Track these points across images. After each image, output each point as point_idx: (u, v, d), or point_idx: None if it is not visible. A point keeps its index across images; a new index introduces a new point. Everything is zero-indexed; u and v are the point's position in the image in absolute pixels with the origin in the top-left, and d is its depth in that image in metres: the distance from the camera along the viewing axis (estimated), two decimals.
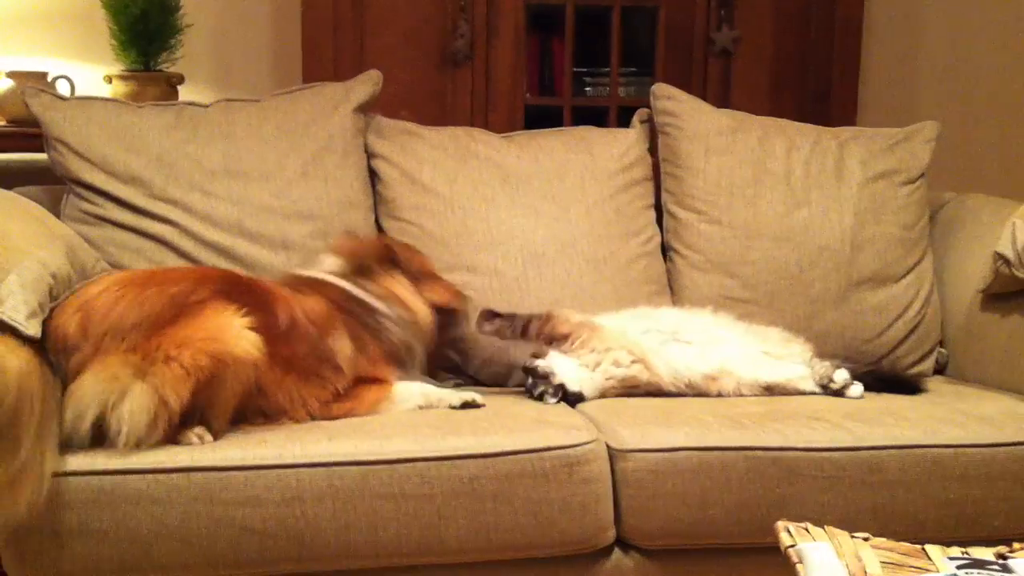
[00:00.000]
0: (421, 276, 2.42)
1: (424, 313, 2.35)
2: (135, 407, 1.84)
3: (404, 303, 2.33)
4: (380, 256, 2.38)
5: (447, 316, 2.44)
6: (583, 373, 2.31)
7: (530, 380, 2.31)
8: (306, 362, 2.11)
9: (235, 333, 1.95)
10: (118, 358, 1.88)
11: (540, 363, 2.31)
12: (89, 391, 1.85)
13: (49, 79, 3.39)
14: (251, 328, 1.97)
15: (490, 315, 2.37)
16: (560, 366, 2.30)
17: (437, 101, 3.49)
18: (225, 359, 1.91)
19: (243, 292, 2.08)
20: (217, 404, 1.95)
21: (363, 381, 2.20)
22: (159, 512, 1.84)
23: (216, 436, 1.95)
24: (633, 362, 2.34)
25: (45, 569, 1.82)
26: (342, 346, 2.18)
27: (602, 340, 2.33)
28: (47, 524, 1.77)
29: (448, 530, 1.95)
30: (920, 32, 4.08)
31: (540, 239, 2.62)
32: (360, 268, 2.34)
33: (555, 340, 2.33)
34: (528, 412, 2.16)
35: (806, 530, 1.46)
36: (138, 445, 1.85)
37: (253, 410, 2.03)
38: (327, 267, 2.36)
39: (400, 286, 2.35)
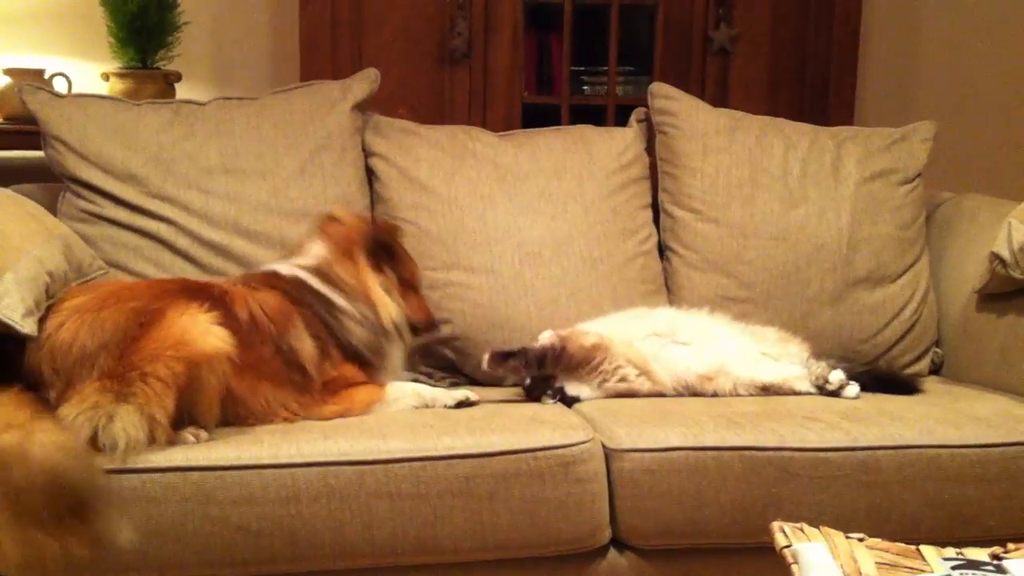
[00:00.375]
0: (407, 284, 2.39)
1: (389, 312, 2.29)
2: (126, 425, 1.83)
3: (370, 298, 2.27)
4: (368, 246, 2.32)
5: (419, 329, 2.41)
6: (589, 391, 2.33)
7: (528, 381, 2.31)
8: (273, 365, 2.09)
9: (202, 331, 1.93)
10: (93, 387, 1.86)
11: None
12: (73, 417, 1.83)
13: (46, 76, 3.38)
14: (216, 323, 1.96)
15: (501, 356, 2.28)
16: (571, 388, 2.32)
17: (435, 99, 3.49)
18: (198, 359, 1.90)
19: (201, 294, 2.05)
20: (201, 401, 1.94)
21: (348, 383, 2.19)
22: (154, 511, 1.84)
23: (208, 430, 1.96)
24: (638, 375, 2.34)
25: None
26: (303, 345, 2.15)
27: (612, 360, 2.33)
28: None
29: (443, 529, 1.95)
30: (918, 32, 4.08)
31: (537, 238, 2.62)
32: (344, 255, 2.30)
33: (571, 368, 2.32)
34: (524, 411, 2.16)
35: (801, 530, 1.46)
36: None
37: (234, 417, 2.02)
38: (310, 255, 2.31)
39: (373, 280, 2.30)
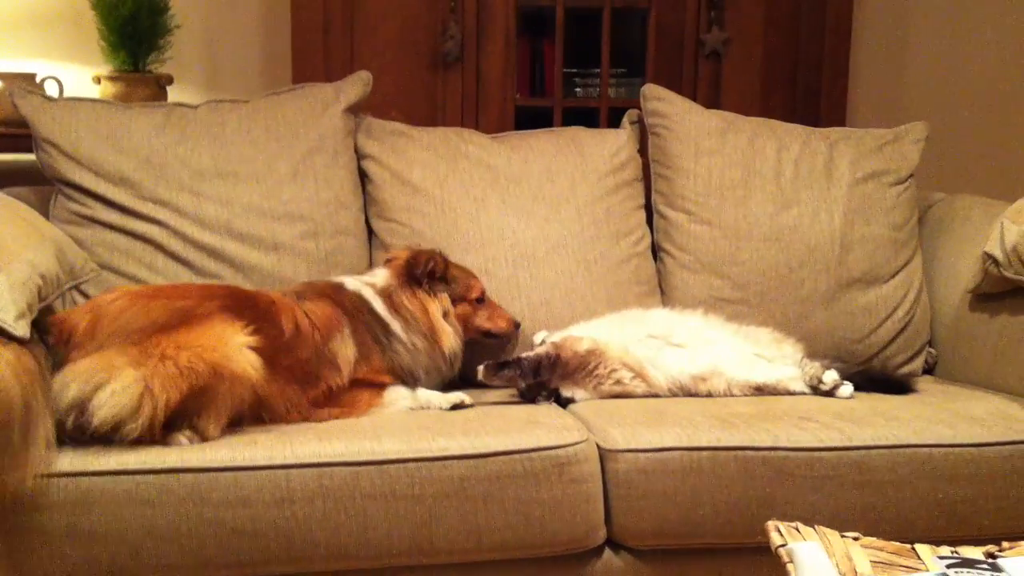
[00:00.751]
0: (476, 301, 2.45)
1: (450, 342, 2.36)
2: (119, 388, 1.84)
3: (432, 328, 2.34)
4: (430, 271, 2.38)
5: (497, 338, 2.50)
6: (584, 393, 2.34)
7: (523, 385, 2.31)
8: (308, 366, 2.13)
9: (236, 349, 1.97)
10: (116, 349, 1.90)
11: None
12: (80, 369, 1.86)
13: (38, 80, 3.37)
14: (254, 347, 1.99)
15: (496, 367, 2.29)
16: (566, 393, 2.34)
17: (427, 102, 3.49)
18: (222, 371, 1.92)
19: (247, 306, 2.11)
20: (208, 413, 1.95)
21: (360, 384, 2.20)
22: (148, 513, 1.83)
23: (204, 442, 1.95)
24: (633, 378, 2.34)
25: (34, 570, 1.82)
26: (344, 349, 2.20)
27: (607, 363, 2.34)
28: (36, 524, 1.76)
29: (438, 530, 1.95)
30: (909, 33, 4.09)
31: (530, 239, 2.62)
32: (409, 279, 2.37)
33: (566, 375, 2.32)
34: (519, 413, 2.16)
35: (796, 529, 1.46)
36: (117, 428, 1.84)
37: (251, 419, 2.04)
38: (378, 276, 2.38)
39: (434, 308, 2.36)
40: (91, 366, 1.86)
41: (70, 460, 1.83)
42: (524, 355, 2.32)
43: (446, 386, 2.39)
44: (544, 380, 2.30)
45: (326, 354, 2.17)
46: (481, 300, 2.46)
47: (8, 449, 1.70)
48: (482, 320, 2.46)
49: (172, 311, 1.99)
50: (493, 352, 2.51)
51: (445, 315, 2.38)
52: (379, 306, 2.31)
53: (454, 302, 2.41)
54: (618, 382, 2.34)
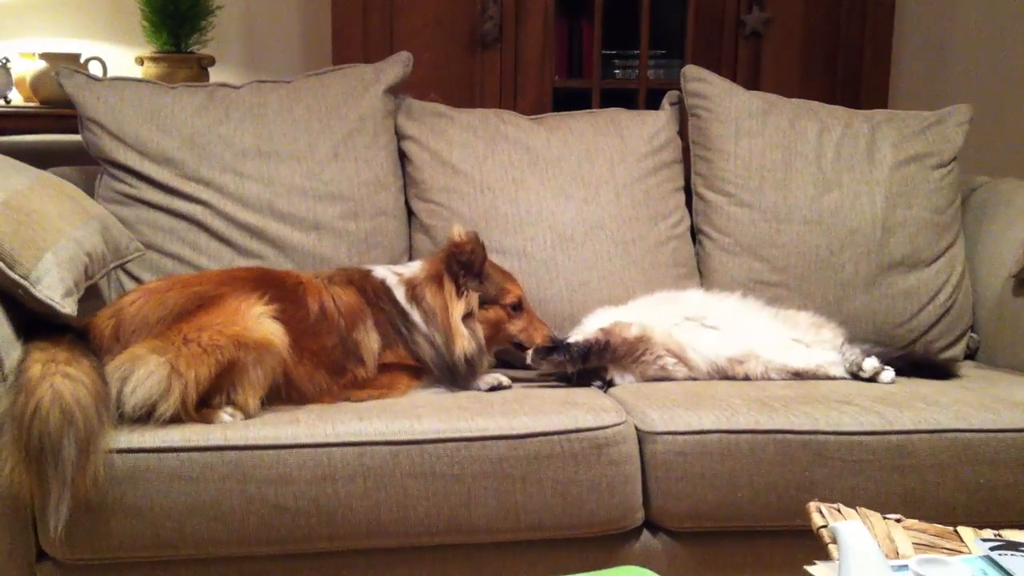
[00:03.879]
0: (511, 307, 2.35)
1: (463, 346, 2.25)
2: (145, 373, 1.88)
3: (449, 327, 2.26)
4: (466, 261, 2.29)
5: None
6: (631, 378, 2.35)
7: (572, 370, 2.30)
8: (334, 354, 2.15)
9: (254, 319, 2.00)
10: (140, 344, 1.93)
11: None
12: (108, 371, 1.89)
13: (82, 60, 3.41)
14: (274, 316, 2.02)
15: (544, 351, 2.28)
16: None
17: (466, 83, 3.49)
18: (245, 341, 1.95)
19: (272, 285, 2.13)
20: (243, 386, 1.98)
21: (396, 367, 2.22)
22: (192, 489, 1.86)
23: (247, 418, 1.98)
24: (676, 363, 2.34)
25: (82, 544, 1.85)
26: (368, 340, 2.20)
27: (653, 349, 2.33)
28: (83, 500, 1.79)
29: (477, 510, 1.96)
30: (953, 14, 4.03)
31: (569, 221, 2.62)
32: (446, 267, 2.29)
33: (615, 360, 2.32)
34: (556, 394, 2.17)
35: (838, 511, 1.46)
36: (151, 411, 1.88)
37: (284, 399, 2.07)
38: (409, 267, 2.35)
39: (455, 307, 2.27)
40: (117, 364, 1.89)
41: (116, 437, 1.85)
42: (573, 340, 2.31)
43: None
44: (593, 366, 2.30)
45: (350, 344, 2.18)
46: (517, 307, 2.36)
47: (73, 462, 1.74)
48: (515, 329, 2.35)
49: (188, 297, 2.02)
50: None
51: (468, 316, 2.28)
52: (400, 294, 2.28)
53: (484, 304, 2.32)
54: (663, 367, 2.34)
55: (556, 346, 2.29)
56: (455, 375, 2.26)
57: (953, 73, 4.03)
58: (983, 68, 4.01)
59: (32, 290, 1.86)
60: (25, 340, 1.87)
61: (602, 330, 2.32)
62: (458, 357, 2.25)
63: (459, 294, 2.29)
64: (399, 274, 2.33)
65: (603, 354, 2.29)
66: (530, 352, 2.30)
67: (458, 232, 2.34)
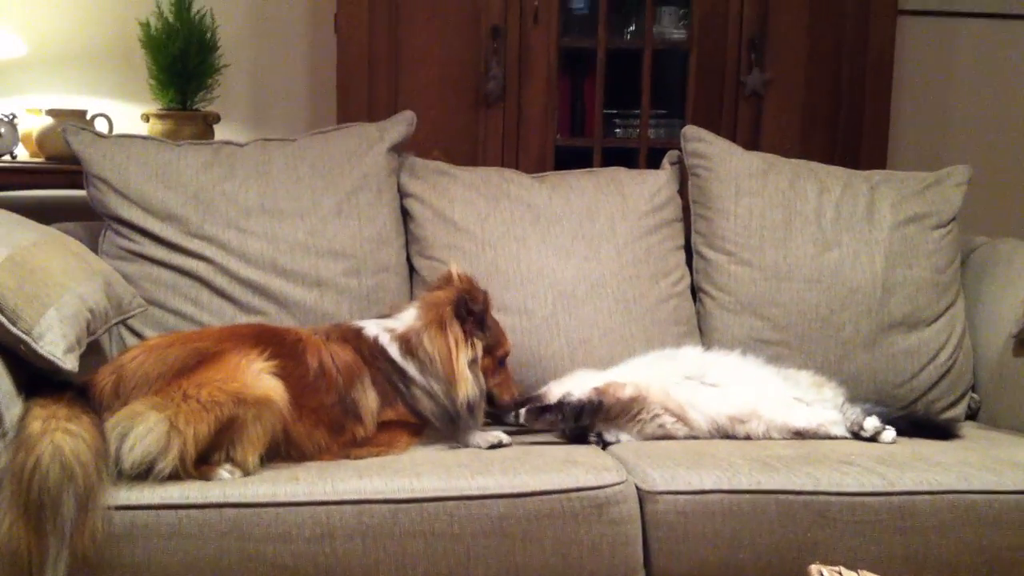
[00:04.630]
0: (498, 361, 2.35)
1: (466, 391, 2.23)
2: (144, 430, 1.87)
3: (452, 372, 2.23)
4: (460, 314, 2.27)
5: (499, 405, 2.38)
6: (627, 436, 2.34)
7: (565, 428, 2.31)
8: (333, 412, 2.14)
9: (253, 375, 2.00)
10: (139, 400, 1.93)
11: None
12: (108, 427, 1.88)
13: (88, 117, 3.45)
14: (274, 373, 2.02)
15: (537, 411, 2.29)
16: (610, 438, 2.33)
17: (469, 140, 3.52)
18: (245, 398, 1.95)
19: (272, 342, 2.12)
20: (242, 443, 1.97)
21: (396, 425, 2.21)
22: (191, 547, 1.85)
23: (245, 475, 1.97)
24: (675, 422, 2.34)
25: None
26: (366, 399, 2.19)
27: (649, 409, 2.33)
28: (81, 556, 1.77)
29: (477, 570, 1.94)
30: (951, 76, 4.08)
31: (570, 279, 2.63)
32: (435, 322, 2.26)
33: (608, 420, 2.32)
34: (557, 452, 2.16)
35: (839, 573, 1.45)
36: (150, 468, 1.87)
37: (283, 456, 2.07)
38: (401, 319, 2.31)
39: (461, 353, 2.25)
40: (116, 421, 1.89)
41: (114, 495, 1.84)
42: (566, 400, 2.30)
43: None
44: (586, 425, 2.29)
45: (348, 403, 2.17)
46: (502, 362, 2.36)
47: (72, 518, 1.74)
48: (494, 383, 2.34)
49: (188, 353, 2.02)
50: None
51: (472, 362, 2.27)
52: (394, 352, 2.25)
53: (484, 352, 2.31)
54: (661, 426, 2.33)
55: (549, 406, 2.29)
56: (456, 423, 2.23)
57: (951, 134, 4.07)
58: (981, 129, 4.05)
59: (34, 346, 1.87)
60: (26, 396, 1.87)
61: (596, 389, 2.32)
62: (461, 402, 2.22)
63: (465, 340, 2.27)
64: (391, 329, 2.29)
65: (596, 414, 2.29)
66: (523, 411, 2.30)
67: (457, 274, 2.35)
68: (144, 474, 1.88)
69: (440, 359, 2.24)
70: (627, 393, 2.31)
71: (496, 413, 2.43)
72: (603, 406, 2.29)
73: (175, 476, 1.89)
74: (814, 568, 1.48)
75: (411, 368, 2.25)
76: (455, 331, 2.26)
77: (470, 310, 2.28)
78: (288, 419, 2.03)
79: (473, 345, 2.28)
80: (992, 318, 2.71)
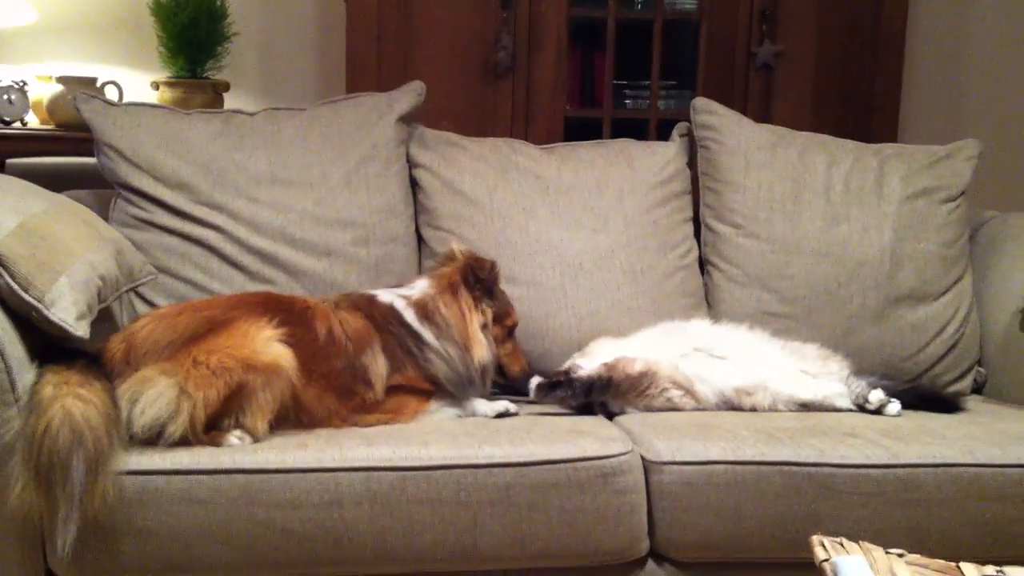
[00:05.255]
0: (507, 331, 2.40)
1: (481, 353, 2.29)
2: (155, 393, 1.89)
3: (466, 336, 2.28)
4: (486, 278, 2.34)
5: (510, 376, 2.43)
6: (633, 409, 2.34)
7: (574, 403, 2.32)
8: (342, 378, 2.16)
9: (263, 342, 2.02)
10: (150, 366, 1.95)
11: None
12: (119, 392, 1.90)
13: (98, 85, 3.45)
14: (283, 340, 2.04)
15: (547, 387, 2.30)
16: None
17: (478, 112, 3.52)
18: (254, 364, 1.97)
19: (280, 309, 2.15)
20: (252, 409, 1.99)
21: (405, 391, 2.23)
22: (201, 512, 1.87)
23: (256, 441, 1.99)
24: (683, 396, 2.35)
25: (89, 565, 1.86)
26: (375, 363, 2.21)
27: (658, 383, 2.34)
28: (92, 520, 1.80)
29: (483, 537, 1.97)
30: (964, 49, 4.06)
31: (578, 250, 2.64)
32: (463, 280, 2.33)
33: (618, 395, 2.33)
34: (564, 423, 2.18)
35: (841, 545, 1.46)
36: (161, 432, 1.89)
37: (293, 422, 2.08)
38: (415, 288, 2.35)
39: (472, 317, 2.31)
40: (127, 387, 1.91)
41: (127, 459, 1.86)
42: (576, 375, 2.32)
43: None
44: (595, 400, 2.31)
45: (358, 368, 2.19)
46: (511, 333, 2.42)
47: (82, 481, 1.75)
48: (503, 353, 2.40)
49: (198, 321, 2.04)
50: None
51: (484, 327, 2.33)
52: (410, 316, 2.29)
53: (493, 320, 2.36)
54: (669, 400, 2.34)
55: (559, 382, 2.30)
56: (469, 386, 2.28)
57: (963, 108, 4.05)
58: (993, 103, 4.03)
59: (46, 312, 1.88)
60: (39, 364, 1.89)
61: (605, 365, 2.33)
62: (476, 365, 2.28)
63: (476, 305, 2.33)
64: (406, 296, 2.33)
65: (605, 390, 2.30)
66: (533, 386, 2.31)
67: (458, 250, 2.39)
68: (155, 439, 1.90)
69: (455, 323, 2.28)
70: (637, 368, 2.32)
71: (507, 384, 2.45)
72: (613, 382, 2.30)
73: (185, 442, 1.92)
74: (816, 539, 1.49)
75: (427, 333, 2.27)
76: (466, 297, 2.32)
77: (478, 278, 2.32)
78: (297, 385, 2.04)
79: (483, 311, 2.33)
80: (1000, 292, 2.71)
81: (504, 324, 2.39)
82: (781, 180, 2.74)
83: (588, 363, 2.38)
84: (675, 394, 2.35)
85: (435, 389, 2.27)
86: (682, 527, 2.04)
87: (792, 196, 2.72)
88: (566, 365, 2.44)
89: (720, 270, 2.73)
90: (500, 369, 2.40)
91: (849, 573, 1.25)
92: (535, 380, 2.33)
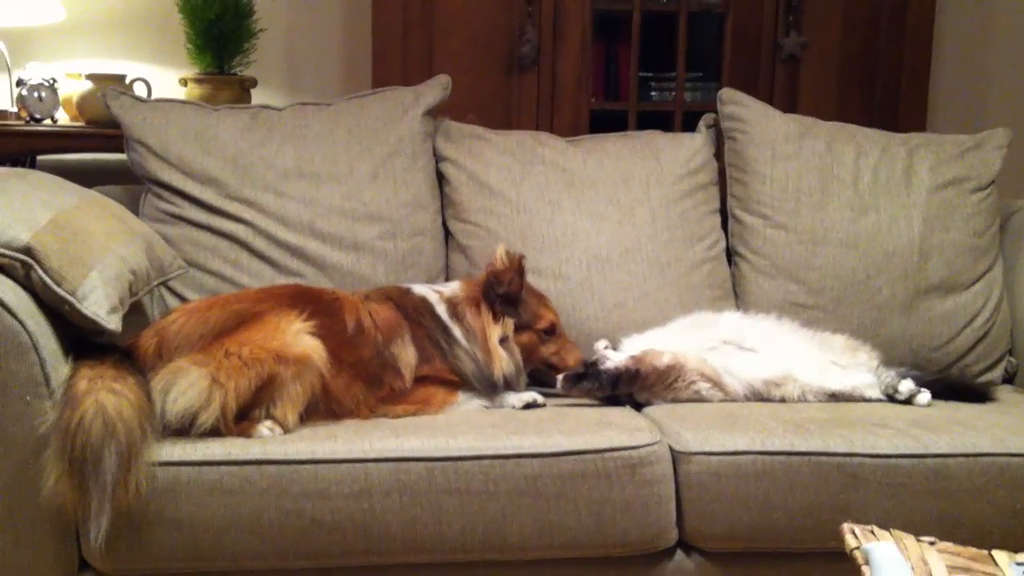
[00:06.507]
0: (544, 332, 2.39)
1: (501, 367, 2.29)
2: (187, 383, 1.92)
3: (487, 349, 2.30)
4: (504, 293, 2.34)
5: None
6: (661, 401, 2.34)
7: (601, 396, 2.32)
8: (370, 367, 2.18)
9: (293, 335, 2.04)
10: (183, 358, 1.97)
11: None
12: (152, 384, 1.93)
13: (127, 81, 3.47)
14: (313, 333, 2.06)
15: (574, 379, 2.31)
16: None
17: (503, 105, 3.52)
18: (285, 356, 1.99)
19: (309, 301, 2.17)
20: (283, 401, 2.01)
21: (433, 382, 2.24)
22: (231, 503, 1.89)
23: (286, 432, 2.01)
24: (711, 388, 2.35)
25: (122, 555, 1.88)
26: (405, 353, 2.23)
27: (686, 376, 2.34)
28: (125, 511, 1.82)
29: (511, 527, 1.97)
30: (992, 37, 4.02)
31: (604, 243, 2.64)
32: (483, 295, 2.34)
33: (645, 388, 2.33)
34: (591, 413, 2.18)
35: (872, 532, 1.46)
36: (193, 421, 1.91)
37: (322, 412, 2.10)
38: (448, 287, 2.39)
39: (493, 332, 2.31)
40: (160, 378, 1.94)
41: (159, 450, 1.88)
42: (603, 367, 2.32)
43: None
44: (621, 392, 2.31)
45: (387, 357, 2.20)
46: (551, 332, 2.40)
47: (113, 473, 1.78)
48: (548, 353, 2.40)
49: (229, 315, 2.07)
50: None
51: (504, 340, 2.32)
52: (442, 311, 2.32)
53: (519, 329, 2.36)
54: (696, 392, 2.34)
55: (586, 373, 2.31)
56: (494, 390, 2.29)
57: (992, 97, 4.01)
58: (1022, 91, 3.99)
59: (78, 306, 1.90)
60: (73, 359, 1.91)
61: (632, 358, 2.33)
62: (497, 378, 2.29)
63: (495, 320, 2.33)
64: (439, 292, 2.37)
65: (632, 382, 2.30)
66: (560, 379, 2.32)
67: (500, 256, 2.38)
68: (187, 428, 1.92)
69: (479, 336, 2.31)
70: (664, 361, 2.32)
71: (536, 376, 2.45)
72: (640, 374, 2.30)
73: (216, 432, 1.94)
74: (846, 527, 1.49)
75: (457, 331, 2.30)
76: (485, 313, 2.33)
77: (498, 293, 2.33)
78: (326, 375, 2.06)
79: (504, 324, 2.34)
80: None
81: (536, 329, 2.39)
82: (808, 171, 2.73)
83: (631, 343, 2.39)
84: (703, 386, 2.35)
85: (460, 384, 2.28)
86: (710, 518, 2.04)
87: (820, 187, 2.71)
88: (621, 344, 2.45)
89: (747, 261, 2.72)
90: (552, 367, 2.40)
91: (881, 560, 1.25)
92: (561, 375, 2.34)
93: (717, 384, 2.36)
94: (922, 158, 2.76)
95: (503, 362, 2.30)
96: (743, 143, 2.77)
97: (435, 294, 2.35)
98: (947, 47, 3.91)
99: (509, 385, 2.31)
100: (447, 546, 1.96)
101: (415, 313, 2.29)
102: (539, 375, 2.46)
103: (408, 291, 2.36)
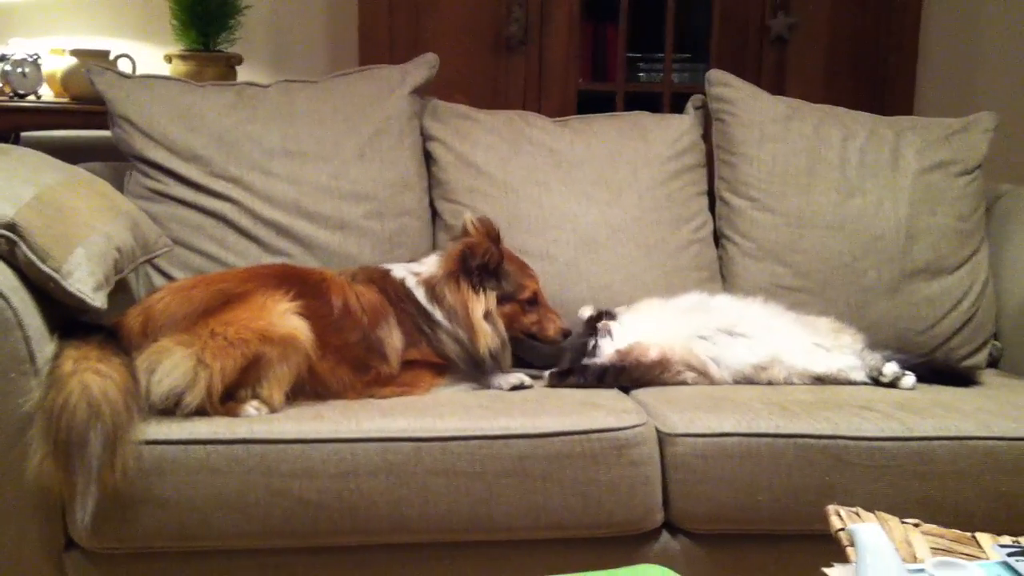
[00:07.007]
0: (527, 302, 2.37)
1: (486, 341, 2.27)
2: (171, 363, 1.91)
3: (471, 324, 2.28)
4: (482, 264, 2.30)
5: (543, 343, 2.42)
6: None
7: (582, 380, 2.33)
8: (357, 351, 2.17)
9: (279, 314, 2.03)
10: (167, 338, 1.96)
11: None
12: (137, 364, 1.92)
13: (111, 58, 3.44)
14: (299, 313, 2.05)
15: (561, 375, 2.32)
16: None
17: (490, 85, 3.50)
18: (271, 336, 1.98)
19: (296, 282, 2.16)
20: (268, 380, 2.00)
21: (419, 364, 2.24)
22: (218, 482, 1.89)
23: (272, 412, 2.01)
24: (697, 378, 2.35)
25: (108, 534, 1.88)
26: (391, 337, 2.22)
27: (672, 368, 2.33)
28: (111, 490, 1.81)
29: (498, 507, 1.98)
30: (980, 21, 4.02)
31: (592, 224, 2.63)
32: (460, 269, 2.30)
33: (631, 381, 2.32)
34: (578, 395, 2.19)
35: (856, 514, 1.47)
36: (178, 401, 1.91)
37: (308, 394, 2.09)
38: (426, 265, 2.35)
39: (475, 305, 2.28)
40: (144, 357, 1.93)
41: (145, 429, 1.87)
42: (590, 362, 2.32)
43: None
44: (607, 385, 2.30)
45: (373, 341, 2.20)
46: (533, 302, 2.38)
47: (99, 454, 1.76)
48: (529, 322, 2.37)
49: (214, 294, 2.06)
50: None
51: (487, 315, 2.30)
52: (421, 295, 2.29)
53: (502, 300, 2.33)
54: (683, 382, 2.34)
55: (572, 369, 2.31)
56: (481, 369, 2.28)
57: (979, 80, 4.02)
58: (1009, 75, 3.99)
59: (63, 283, 1.89)
60: (59, 338, 1.90)
61: (619, 352, 2.33)
62: (483, 353, 2.28)
63: (476, 293, 2.30)
64: (417, 273, 2.33)
65: (619, 376, 2.30)
66: (547, 375, 2.33)
67: (469, 225, 2.35)
68: (172, 408, 1.92)
69: (460, 311, 2.28)
70: (651, 356, 2.32)
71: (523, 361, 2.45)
72: (626, 370, 2.31)
73: (202, 412, 1.93)
74: (831, 508, 1.50)
75: (438, 313, 2.28)
76: (464, 286, 2.30)
77: (476, 265, 2.30)
78: (313, 357, 2.05)
79: (485, 297, 2.31)
80: (1016, 266, 2.70)
81: (519, 299, 2.37)
82: (796, 153, 2.73)
83: (630, 319, 2.40)
84: (689, 376, 2.34)
85: (448, 366, 2.28)
86: (696, 499, 2.05)
87: (807, 169, 2.71)
88: (614, 312, 2.44)
89: (734, 243, 2.73)
90: (533, 336, 2.39)
91: (865, 541, 1.26)
92: (548, 371, 2.34)
93: (703, 374, 2.36)
94: (909, 141, 2.76)
95: (487, 337, 2.28)
96: (731, 124, 2.77)
97: (413, 277, 2.31)
98: (935, 30, 3.91)
99: (495, 360, 2.29)
100: (433, 526, 1.97)
101: (396, 297, 2.28)
102: (522, 355, 2.45)
103: (388, 274, 2.32)
